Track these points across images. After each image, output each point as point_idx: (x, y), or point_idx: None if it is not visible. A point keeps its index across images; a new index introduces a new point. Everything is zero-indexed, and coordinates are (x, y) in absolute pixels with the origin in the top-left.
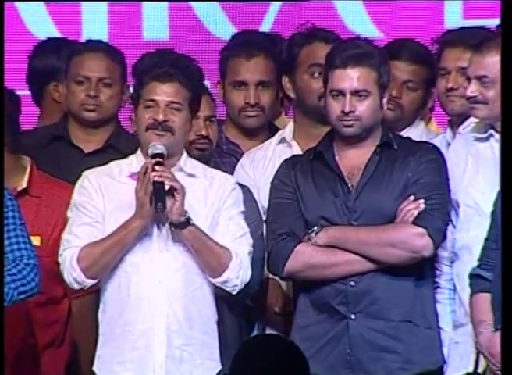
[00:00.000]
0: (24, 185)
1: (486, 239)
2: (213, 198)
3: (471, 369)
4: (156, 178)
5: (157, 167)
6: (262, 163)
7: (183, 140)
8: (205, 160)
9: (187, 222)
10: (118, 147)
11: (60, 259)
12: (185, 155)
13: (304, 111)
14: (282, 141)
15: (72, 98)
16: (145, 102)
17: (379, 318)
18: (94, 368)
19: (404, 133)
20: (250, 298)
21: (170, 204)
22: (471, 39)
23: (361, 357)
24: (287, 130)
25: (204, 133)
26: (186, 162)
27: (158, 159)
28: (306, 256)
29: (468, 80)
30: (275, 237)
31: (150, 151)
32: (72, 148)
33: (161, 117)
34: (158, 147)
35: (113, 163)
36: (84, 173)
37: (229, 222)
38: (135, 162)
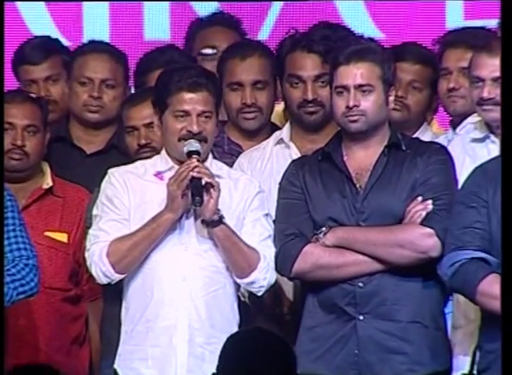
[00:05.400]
0: (50, 183)
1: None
2: (238, 200)
3: (466, 370)
4: (195, 174)
5: (195, 163)
6: (260, 163)
7: (212, 144)
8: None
9: (220, 220)
10: (120, 147)
11: (87, 254)
12: (211, 156)
13: (289, 116)
14: (280, 141)
15: (75, 98)
16: (175, 112)
17: (387, 319)
18: (115, 365)
19: None
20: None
21: (205, 201)
22: (472, 39)
23: (369, 358)
24: (284, 131)
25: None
26: (212, 164)
27: (195, 156)
28: (314, 257)
29: (482, 80)
30: (283, 238)
31: (186, 149)
32: (73, 149)
33: (195, 129)
34: (193, 144)
35: (138, 163)
36: (110, 171)
37: (255, 223)
38: (160, 162)
